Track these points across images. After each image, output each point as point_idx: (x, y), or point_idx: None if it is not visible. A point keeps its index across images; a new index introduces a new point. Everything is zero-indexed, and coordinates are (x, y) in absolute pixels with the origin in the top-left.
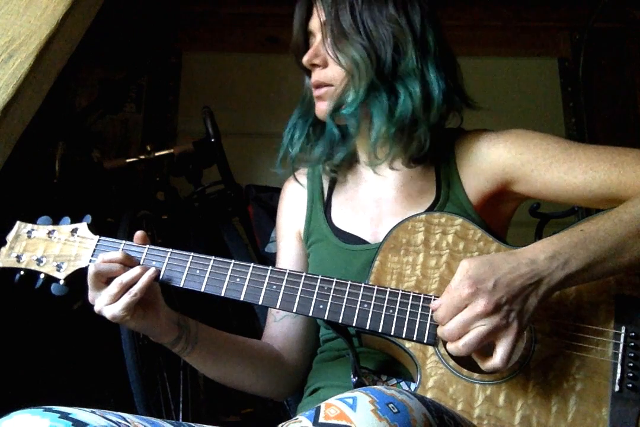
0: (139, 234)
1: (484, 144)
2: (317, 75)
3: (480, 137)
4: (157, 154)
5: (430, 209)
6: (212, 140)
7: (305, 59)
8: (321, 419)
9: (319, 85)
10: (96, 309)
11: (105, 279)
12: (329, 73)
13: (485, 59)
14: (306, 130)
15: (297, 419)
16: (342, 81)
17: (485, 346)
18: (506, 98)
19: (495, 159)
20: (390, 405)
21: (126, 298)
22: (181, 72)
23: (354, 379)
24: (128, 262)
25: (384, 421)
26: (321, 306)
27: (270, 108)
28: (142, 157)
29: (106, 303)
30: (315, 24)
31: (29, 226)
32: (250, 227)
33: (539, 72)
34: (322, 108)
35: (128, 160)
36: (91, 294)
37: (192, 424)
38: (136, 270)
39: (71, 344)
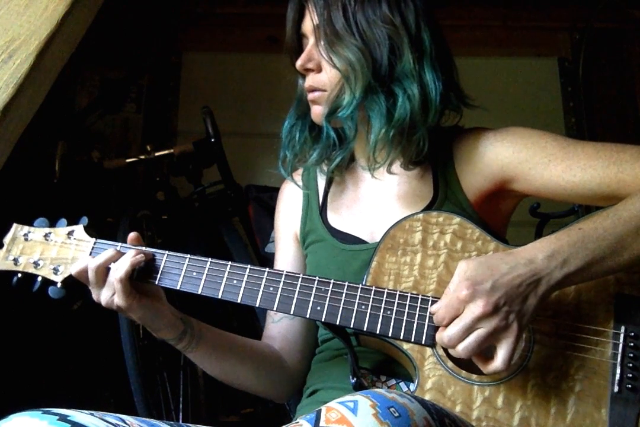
0: (132, 235)
1: (482, 142)
2: (311, 79)
3: (478, 136)
4: (157, 154)
5: (428, 208)
6: (212, 140)
7: (298, 64)
8: (322, 423)
9: (312, 90)
10: (104, 303)
11: (104, 275)
12: (323, 78)
13: (485, 59)
14: (305, 133)
15: (297, 422)
16: (336, 85)
17: (485, 348)
18: (506, 98)
19: (493, 157)
20: (392, 409)
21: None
22: (181, 72)
23: (353, 380)
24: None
25: (385, 425)
26: (318, 308)
27: (270, 108)
28: (142, 157)
29: (110, 294)
30: (307, 26)
31: (26, 228)
32: (250, 227)
33: (539, 72)
34: (317, 112)
35: (128, 160)
36: (95, 292)
37: (191, 426)
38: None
39: (71, 345)
